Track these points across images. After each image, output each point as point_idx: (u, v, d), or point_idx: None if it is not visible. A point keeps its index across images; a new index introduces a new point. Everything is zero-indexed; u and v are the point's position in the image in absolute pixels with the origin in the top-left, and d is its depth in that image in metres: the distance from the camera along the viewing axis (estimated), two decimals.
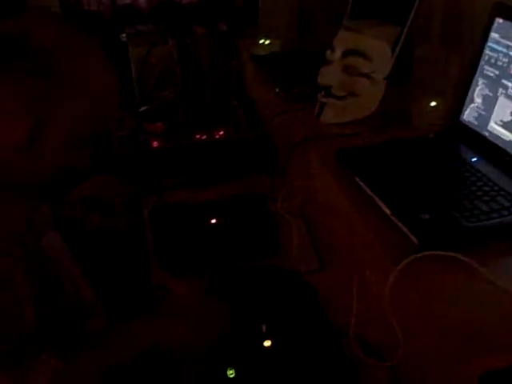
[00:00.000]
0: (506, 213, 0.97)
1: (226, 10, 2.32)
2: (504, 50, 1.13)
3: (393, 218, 0.99)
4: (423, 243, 0.92)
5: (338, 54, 1.34)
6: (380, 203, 1.03)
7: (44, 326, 0.80)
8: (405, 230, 0.96)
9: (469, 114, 1.23)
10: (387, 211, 1.01)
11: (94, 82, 0.82)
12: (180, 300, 1.10)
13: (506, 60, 1.13)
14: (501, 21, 1.15)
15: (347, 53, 1.33)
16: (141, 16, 2.28)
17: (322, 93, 1.38)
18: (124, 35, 2.01)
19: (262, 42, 1.99)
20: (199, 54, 2.08)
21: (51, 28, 0.80)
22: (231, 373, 0.95)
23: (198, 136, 1.70)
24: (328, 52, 1.38)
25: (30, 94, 0.77)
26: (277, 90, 1.61)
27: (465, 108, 1.24)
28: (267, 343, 1.02)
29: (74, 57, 0.79)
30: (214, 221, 1.37)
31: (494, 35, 1.17)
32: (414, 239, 0.93)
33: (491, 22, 1.17)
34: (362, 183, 1.10)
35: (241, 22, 2.23)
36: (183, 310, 1.04)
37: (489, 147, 1.15)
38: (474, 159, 1.14)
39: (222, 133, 1.70)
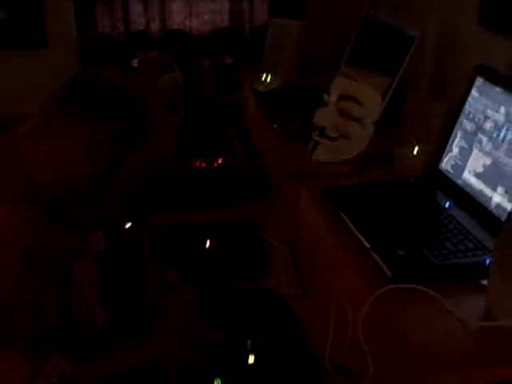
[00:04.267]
0: (469, 254, 1.09)
1: (232, 42, 2.46)
2: (481, 108, 1.26)
3: (371, 252, 1.11)
4: (396, 276, 1.04)
5: (333, 97, 1.47)
6: (361, 238, 1.15)
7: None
8: (381, 263, 1.07)
9: (447, 163, 1.36)
10: (367, 245, 1.13)
11: (165, 130, 0.91)
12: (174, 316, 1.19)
13: (483, 117, 1.25)
14: (481, 80, 1.28)
15: (342, 97, 1.46)
16: (151, 42, 2.42)
17: (317, 132, 1.50)
18: (136, 61, 2.13)
19: (264, 77, 2.12)
20: (204, 85, 2.21)
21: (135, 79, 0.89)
22: (218, 383, 1.05)
23: (198, 163, 1.81)
24: (325, 95, 1.50)
25: (113, 129, 0.85)
26: (275, 125, 1.73)
27: (444, 157, 1.37)
28: (251, 359, 1.12)
29: (154, 106, 0.88)
30: (208, 243, 1.48)
31: (474, 93, 1.30)
32: (389, 272, 1.05)
33: (473, 81, 1.30)
34: (346, 219, 1.22)
35: (246, 55, 2.37)
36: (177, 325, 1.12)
37: (462, 194, 1.28)
38: (448, 204, 1.27)
39: (220, 161, 1.82)
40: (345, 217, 1.22)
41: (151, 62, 2.13)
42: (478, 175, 1.25)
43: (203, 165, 1.82)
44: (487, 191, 1.21)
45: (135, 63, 2.11)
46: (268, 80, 2.11)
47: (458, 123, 1.33)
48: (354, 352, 1.09)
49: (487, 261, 1.05)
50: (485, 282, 1.02)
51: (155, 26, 2.37)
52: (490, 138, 1.22)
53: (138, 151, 0.85)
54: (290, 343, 1.19)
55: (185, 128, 2.01)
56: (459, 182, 1.30)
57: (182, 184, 1.76)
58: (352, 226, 1.19)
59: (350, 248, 1.16)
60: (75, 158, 0.82)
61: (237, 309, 1.24)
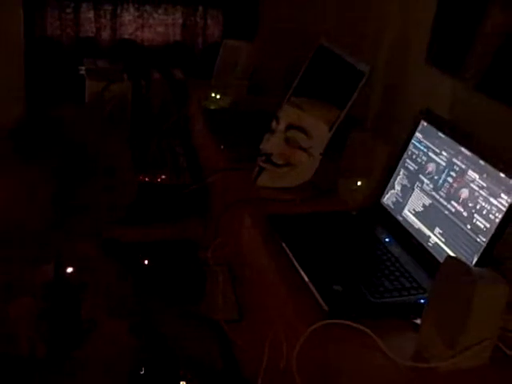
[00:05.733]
0: (405, 293, 1.11)
1: (184, 57, 2.45)
2: (424, 150, 1.30)
3: (309, 284, 1.12)
4: (332, 311, 1.05)
5: (281, 125, 1.48)
6: (300, 269, 1.16)
7: None
8: (318, 297, 1.08)
9: (388, 198, 1.39)
10: (305, 277, 1.13)
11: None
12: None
13: (425, 158, 1.29)
14: (425, 124, 1.32)
15: (290, 127, 1.47)
16: (101, 51, 2.37)
17: (263, 158, 1.51)
18: (83, 68, 2.09)
19: (213, 95, 2.11)
20: (152, 98, 2.19)
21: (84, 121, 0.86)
22: None
23: (141, 177, 1.79)
24: (273, 122, 1.51)
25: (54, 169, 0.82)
26: (222, 146, 1.73)
27: (386, 192, 1.40)
28: None
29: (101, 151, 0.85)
30: (146, 262, 1.46)
31: (418, 135, 1.34)
32: (325, 306, 1.06)
33: (417, 123, 1.34)
34: (286, 248, 1.22)
35: (196, 70, 2.37)
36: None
37: (401, 231, 1.31)
38: (387, 240, 1.29)
39: (163, 177, 1.80)
40: (286, 247, 1.23)
41: (99, 70, 2.09)
42: (417, 214, 1.28)
43: (146, 179, 1.80)
44: (425, 231, 1.24)
45: (82, 70, 2.07)
46: (218, 99, 2.10)
47: (401, 161, 1.37)
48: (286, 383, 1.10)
49: (422, 300, 1.08)
50: (419, 322, 1.05)
51: (106, 34, 2.33)
52: (431, 179, 1.26)
53: (88, 186, 0.84)
54: (222, 372, 1.19)
55: (130, 140, 1.98)
56: (399, 218, 1.33)
57: None
58: (292, 256, 1.20)
59: (290, 278, 1.17)
60: (18, 199, 0.81)
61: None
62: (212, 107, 2.09)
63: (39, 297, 1.08)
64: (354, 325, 1.02)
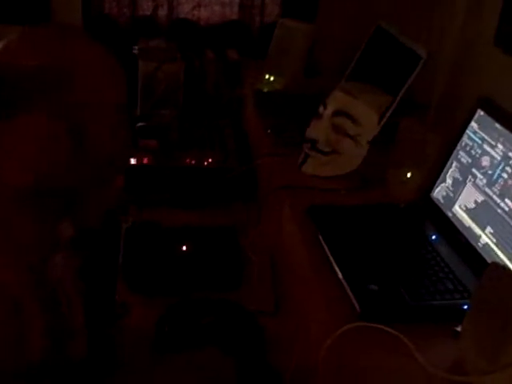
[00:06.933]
0: (448, 296, 1.03)
1: (239, 37, 2.39)
2: (479, 141, 1.20)
3: (343, 282, 1.05)
4: (365, 313, 0.98)
5: (329, 111, 1.41)
6: (334, 265, 1.09)
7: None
8: (351, 296, 1.01)
9: (438, 192, 1.29)
10: (339, 274, 1.07)
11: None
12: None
13: (479, 151, 1.19)
14: (482, 113, 1.22)
15: (337, 113, 1.40)
16: (157, 30, 2.35)
17: (309, 145, 1.44)
18: (136, 48, 2.07)
19: (267, 77, 2.05)
20: (205, 79, 2.15)
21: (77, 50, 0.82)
22: None
23: (188, 159, 1.76)
24: (321, 107, 1.44)
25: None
26: (268, 130, 1.67)
27: (436, 185, 1.30)
28: None
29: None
30: (184, 247, 1.43)
31: (473, 124, 1.23)
32: (358, 307, 0.99)
33: (473, 112, 1.24)
34: (323, 241, 1.16)
35: (252, 51, 2.31)
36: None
37: (450, 228, 1.22)
38: (434, 237, 1.21)
39: (210, 160, 1.76)
40: (322, 241, 1.16)
41: (152, 50, 2.06)
42: (468, 211, 1.19)
43: (192, 162, 1.76)
44: (476, 229, 1.15)
45: (135, 50, 2.04)
46: (272, 81, 2.04)
47: (454, 153, 1.27)
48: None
49: (465, 306, 1.00)
50: (460, 329, 0.96)
51: (162, 12, 2.30)
52: (485, 174, 1.16)
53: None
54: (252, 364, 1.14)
55: (180, 121, 1.95)
56: (449, 214, 1.24)
57: (168, 179, 1.71)
58: (328, 251, 1.13)
59: (324, 274, 1.11)
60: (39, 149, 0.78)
61: (200, 324, 1.19)
62: (265, 89, 2.03)
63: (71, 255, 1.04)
64: (387, 329, 0.95)
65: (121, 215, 1.55)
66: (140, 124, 1.81)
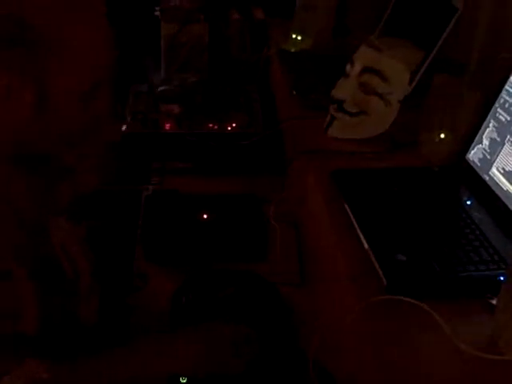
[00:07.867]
0: (482, 267, 0.94)
1: None
2: None
3: (369, 252, 0.98)
4: (391, 285, 0.91)
5: (356, 69, 1.32)
6: (360, 233, 1.02)
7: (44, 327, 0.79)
8: (377, 267, 0.94)
9: (474, 154, 1.20)
10: (365, 244, 0.99)
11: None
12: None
13: None
14: None
15: (366, 70, 1.31)
16: None
17: (335, 106, 1.35)
18: (158, 9, 1.99)
19: (294, 37, 1.96)
20: (230, 40, 2.07)
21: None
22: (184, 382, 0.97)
23: (210, 125, 1.69)
24: (348, 65, 1.35)
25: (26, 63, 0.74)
26: (294, 92, 1.59)
27: (472, 147, 1.21)
28: None
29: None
30: (205, 216, 1.37)
31: None
32: (384, 280, 0.92)
33: None
34: (348, 209, 1.09)
35: (278, 10, 2.20)
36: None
37: (486, 193, 1.12)
38: (469, 203, 1.12)
39: (234, 125, 1.69)
40: (348, 208, 1.09)
41: (174, 10, 1.99)
42: (506, 174, 1.09)
43: (215, 127, 1.70)
44: None
45: (157, 12, 1.97)
46: (299, 40, 1.94)
47: (491, 111, 1.17)
48: (340, 356, 0.98)
49: (501, 277, 0.91)
50: (495, 302, 0.89)
51: None
52: None
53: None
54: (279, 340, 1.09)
55: (205, 85, 1.88)
56: (485, 177, 1.15)
57: (191, 146, 1.65)
58: (353, 220, 1.06)
59: (348, 244, 1.03)
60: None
61: (218, 296, 1.14)
62: (292, 49, 1.93)
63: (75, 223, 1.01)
64: (415, 302, 0.87)
65: (139, 184, 1.51)
66: (162, 87, 1.75)
